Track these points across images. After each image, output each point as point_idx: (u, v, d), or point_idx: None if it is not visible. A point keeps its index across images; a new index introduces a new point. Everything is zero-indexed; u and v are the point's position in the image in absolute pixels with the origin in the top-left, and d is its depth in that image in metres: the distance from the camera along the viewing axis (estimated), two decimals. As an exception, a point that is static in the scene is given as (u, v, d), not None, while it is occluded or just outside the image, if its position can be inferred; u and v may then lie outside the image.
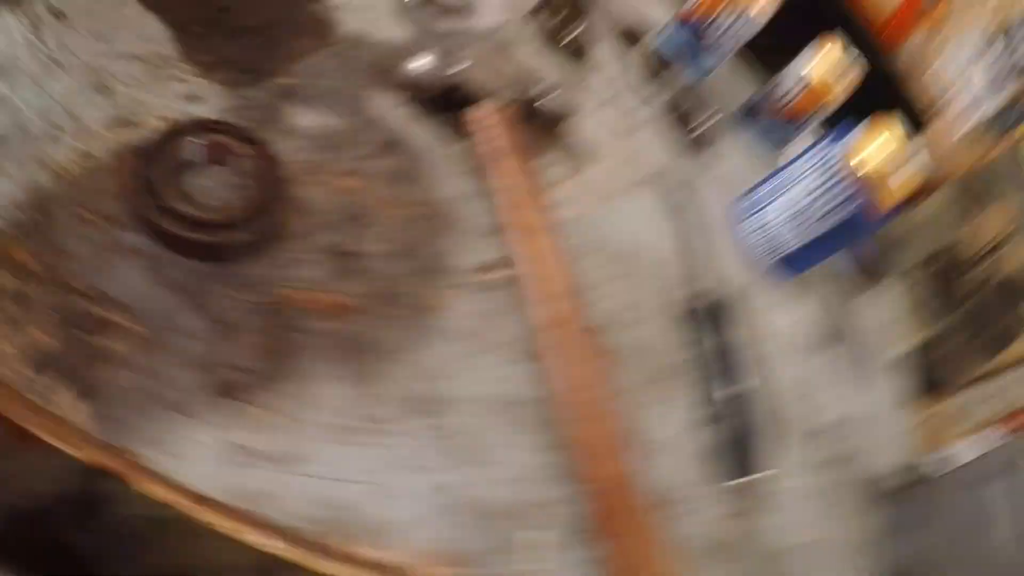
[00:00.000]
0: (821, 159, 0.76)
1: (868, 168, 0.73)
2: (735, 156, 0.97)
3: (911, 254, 1.92)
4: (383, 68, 0.57)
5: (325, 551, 0.38)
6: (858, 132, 0.75)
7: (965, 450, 0.92)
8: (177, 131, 0.44)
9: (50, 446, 0.33)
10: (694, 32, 0.95)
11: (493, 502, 0.45)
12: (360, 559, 0.39)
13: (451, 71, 0.56)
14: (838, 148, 0.75)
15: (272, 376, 0.41)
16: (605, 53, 0.86)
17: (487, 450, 0.47)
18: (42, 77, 0.44)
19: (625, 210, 0.69)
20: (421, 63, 0.55)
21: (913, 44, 1.60)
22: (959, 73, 1.68)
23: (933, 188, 1.79)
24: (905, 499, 0.81)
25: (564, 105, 0.64)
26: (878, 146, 0.73)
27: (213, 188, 0.44)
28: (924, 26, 1.39)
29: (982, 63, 1.63)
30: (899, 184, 0.73)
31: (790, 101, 0.98)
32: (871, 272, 1.18)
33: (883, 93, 1.37)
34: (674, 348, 0.63)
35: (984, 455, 0.83)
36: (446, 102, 0.57)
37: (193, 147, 0.44)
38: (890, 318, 1.14)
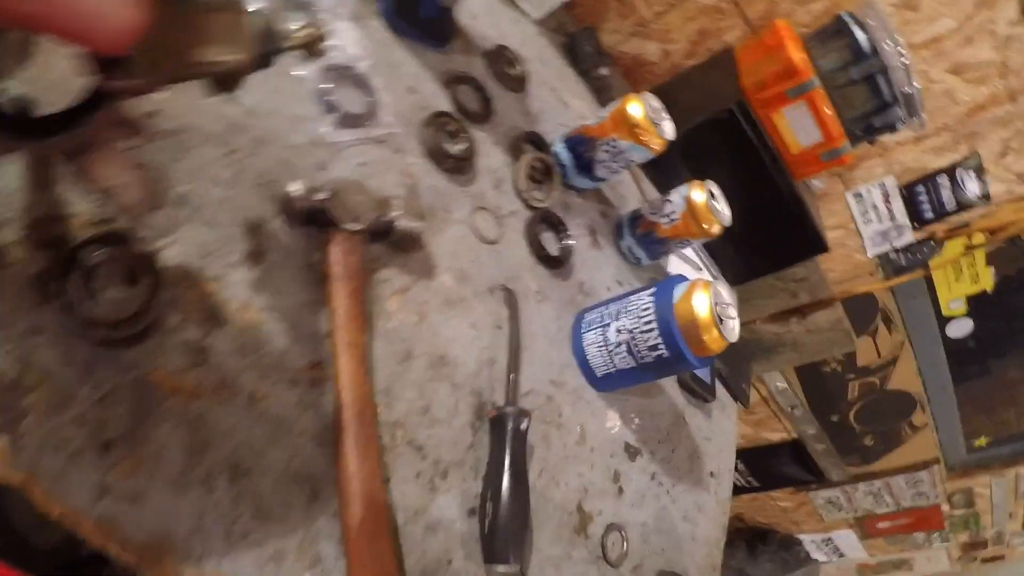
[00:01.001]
0: (656, 299, 0.90)
1: (689, 319, 0.87)
2: (599, 265, 1.12)
3: (796, 357, 2.11)
4: (266, 182, 0.69)
5: (145, 558, 0.52)
6: (686, 286, 0.90)
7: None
8: (89, 241, 0.54)
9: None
10: (584, 150, 1.09)
11: (278, 550, 0.59)
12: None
13: (317, 196, 0.69)
14: (671, 293, 0.90)
15: (137, 438, 0.54)
16: (490, 162, 0.99)
17: (285, 511, 0.61)
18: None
19: (455, 320, 0.83)
20: (295, 187, 0.68)
21: (819, 179, 1.79)
22: (864, 212, 1.88)
23: (829, 304, 1.99)
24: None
25: (416, 226, 0.76)
26: (699, 303, 0.88)
27: (110, 289, 0.55)
28: (828, 169, 1.57)
29: (888, 207, 1.83)
30: (713, 336, 0.87)
31: (671, 221, 1.12)
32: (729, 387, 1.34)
33: (790, 213, 1.56)
34: (467, 446, 0.78)
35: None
36: (309, 222, 0.70)
37: (97, 256, 0.55)
38: (721, 429, 1.31)
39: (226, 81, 0.56)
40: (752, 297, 1.95)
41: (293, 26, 0.58)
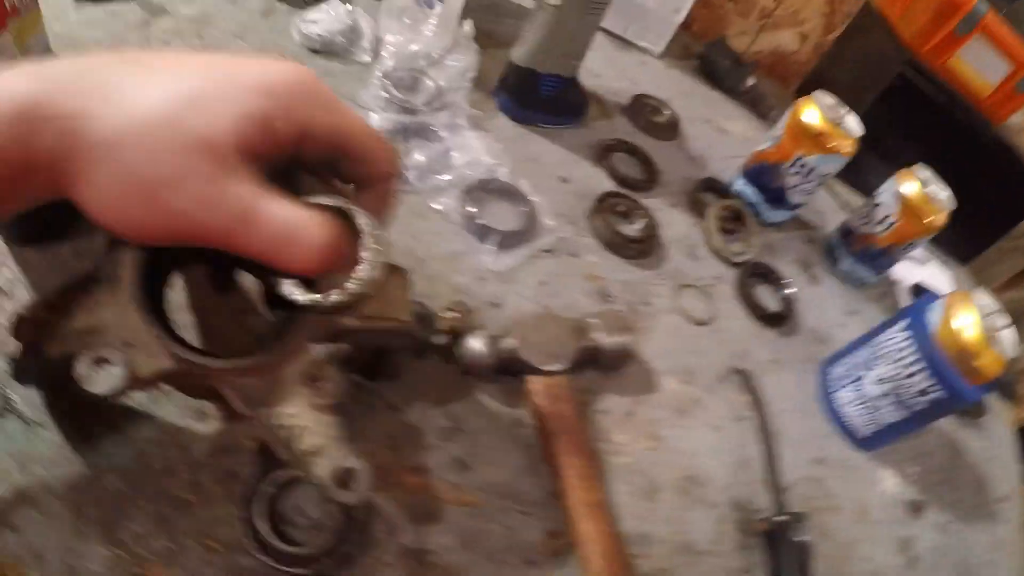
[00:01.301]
0: (911, 333, 0.75)
1: (957, 347, 0.71)
2: (824, 302, 0.96)
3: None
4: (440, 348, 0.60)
5: None
6: (942, 307, 0.74)
7: None
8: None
9: None
10: (769, 179, 0.95)
11: None
12: None
13: (503, 344, 0.59)
14: (926, 322, 0.74)
15: None
16: (675, 230, 0.87)
17: None
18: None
19: (692, 428, 0.71)
20: (474, 344, 0.58)
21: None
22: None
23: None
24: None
25: (624, 340, 0.65)
26: (964, 324, 0.72)
27: (304, 509, 0.49)
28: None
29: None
30: (989, 360, 0.71)
31: (888, 226, 0.96)
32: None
33: (1002, 164, 1.34)
34: (742, 572, 0.64)
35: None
36: (502, 372, 0.61)
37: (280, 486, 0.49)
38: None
39: (382, 364, 0.56)
40: (978, 270, 1.70)
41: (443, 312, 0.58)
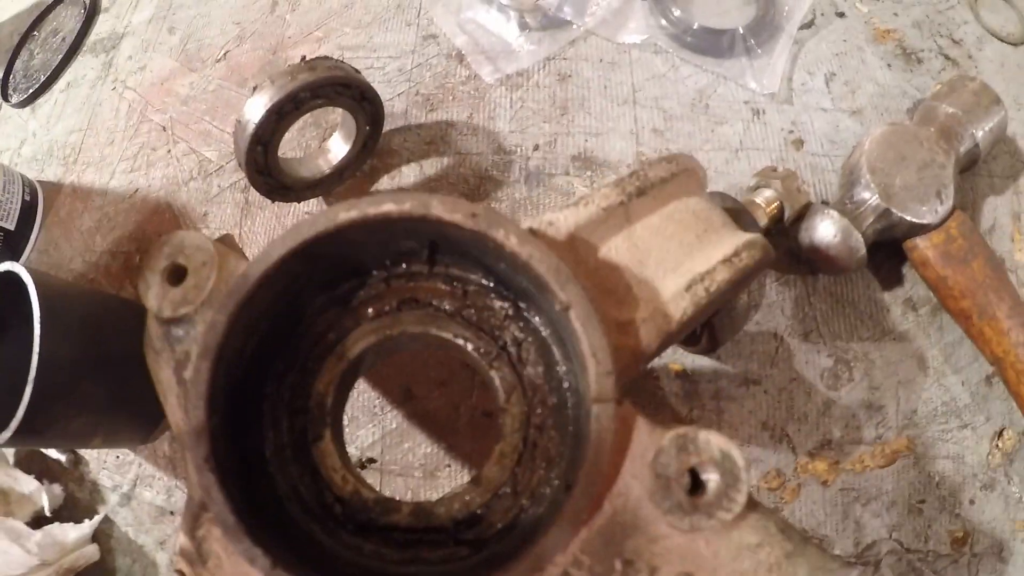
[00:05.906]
0: None
1: None
2: None
3: None
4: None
5: None
6: None
7: None
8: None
9: None
10: None
11: None
12: None
13: (862, 215, 0.40)
14: None
15: None
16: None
17: None
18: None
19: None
20: (826, 228, 0.39)
21: None
22: None
23: None
24: None
25: (998, 122, 0.44)
26: None
27: None
28: None
29: None
30: None
31: None
32: None
33: None
34: None
35: None
36: (887, 247, 0.42)
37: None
38: None
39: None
40: None
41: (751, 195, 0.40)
